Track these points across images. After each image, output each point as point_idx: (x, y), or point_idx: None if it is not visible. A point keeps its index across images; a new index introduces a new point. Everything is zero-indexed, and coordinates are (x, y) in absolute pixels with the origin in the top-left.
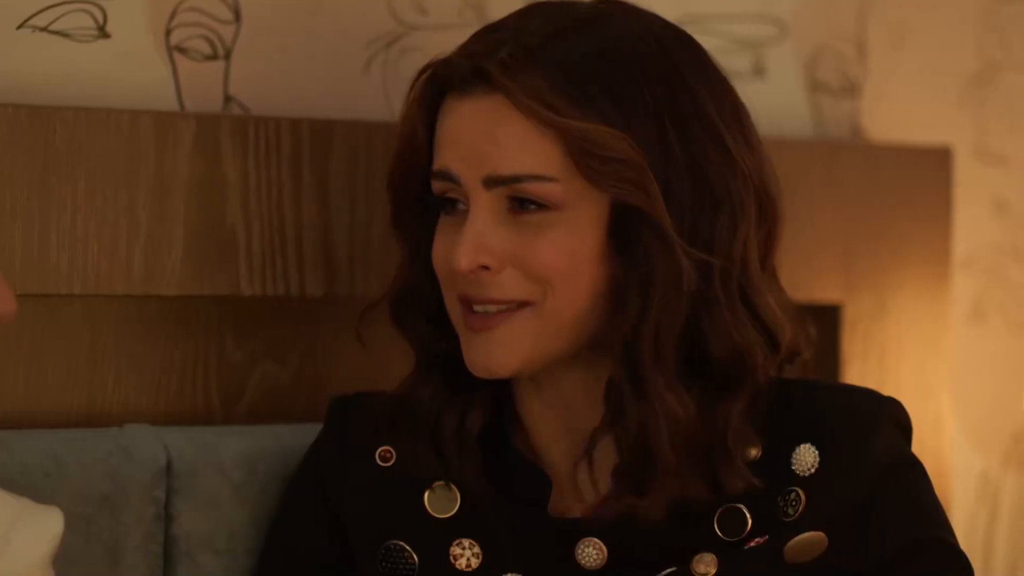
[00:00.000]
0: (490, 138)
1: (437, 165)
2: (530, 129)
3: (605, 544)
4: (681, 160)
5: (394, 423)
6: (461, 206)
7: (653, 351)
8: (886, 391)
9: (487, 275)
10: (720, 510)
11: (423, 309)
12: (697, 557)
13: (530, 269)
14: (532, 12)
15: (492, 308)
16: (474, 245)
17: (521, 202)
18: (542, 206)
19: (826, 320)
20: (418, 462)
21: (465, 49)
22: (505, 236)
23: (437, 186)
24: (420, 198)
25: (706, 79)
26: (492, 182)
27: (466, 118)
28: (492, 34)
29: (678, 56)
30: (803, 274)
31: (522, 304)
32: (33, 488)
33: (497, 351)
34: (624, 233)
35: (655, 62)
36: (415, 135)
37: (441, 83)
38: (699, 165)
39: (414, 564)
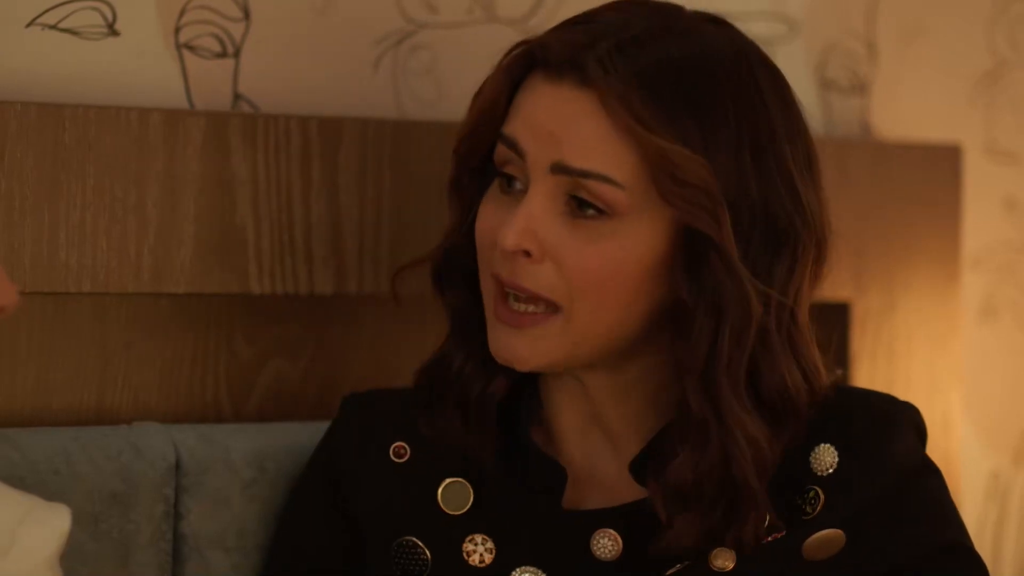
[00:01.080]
0: (569, 126)
1: (509, 131)
2: (611, 131)
3: (621, 535)
4: (754, 194)
5: (421, 392)
6: (518, 185)
7: (728, 378)
8: (895, 389)
9: (525, 262)
10: None
11: (465, 277)
12: (715, 551)
13: (570, 272)
14: (633, 9)
15: (522, 304)
16: (524, 226)
17: (580, 203)
18: (600, 212)
19: (835, 318)
20: (438, 431)
21: (563, 35)
22: (557, 229)
23: (501, 153)
24: (482, 166)
25: (786, 115)
26: (560, 169)
27: (549, 101)
28: (591, 24)
29: (765, 86)
30: None
31: (550, 306)
32: (43, 486)
33: (521, 347)
34: (691, 258)
35: (744, 88)
36: (496, 103)
37: (533, 61)
38: (769, 202)
39: (427, 560)
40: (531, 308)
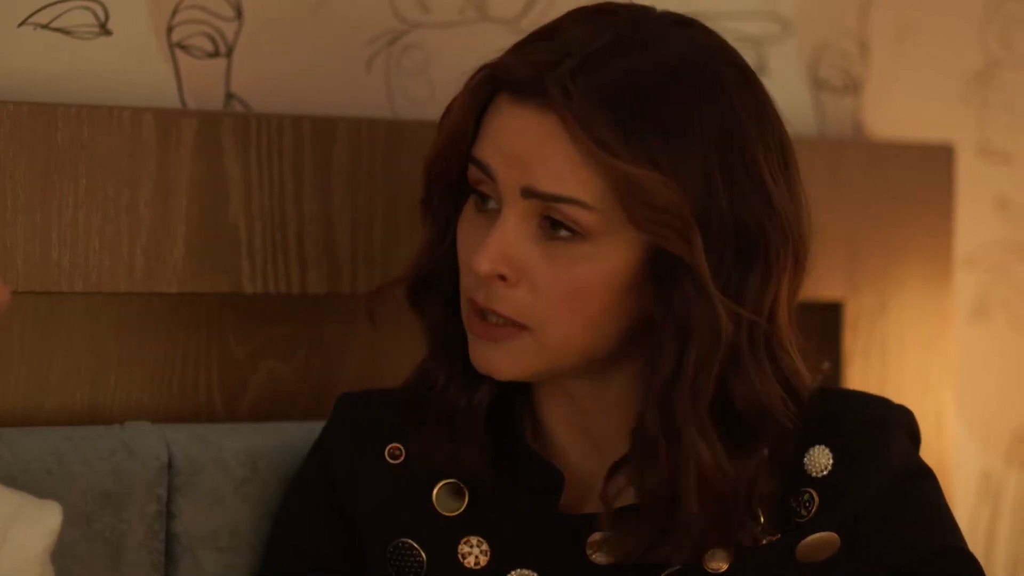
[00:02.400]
0: (537, 152)
1: (478, 154)
2: (578, 156)
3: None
4: (725, 209)
5: (407, 410)
6: (492, 204)
7: (690, 399)
8: (888, 389)
9: (500, 286)
10: None
11: (441, 293)
12: (709, 553)
13: (542, 293)
14: (595, 20)
15: (499, 320)
16: (498, 251)
17: (553, 224)
18: (574, 232)
19: (828, 317)
20: (429, 448)
21: (526, 55)
22: (530, 252)
23: (474, 173)
24: (454, 185)
25: (758, 116)
26: (530, 194)
27: (516, 124)
28: (553, 41)
29: (733, 88)
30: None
31: (521, 327)
32: (35, 485)
33: (500, 359)
34: (661, 276)
35: (710, 95)
36: (464, 128)
37: (498, 83)
38: (740, 215)
39: (422, 562)
40: (504, 323)
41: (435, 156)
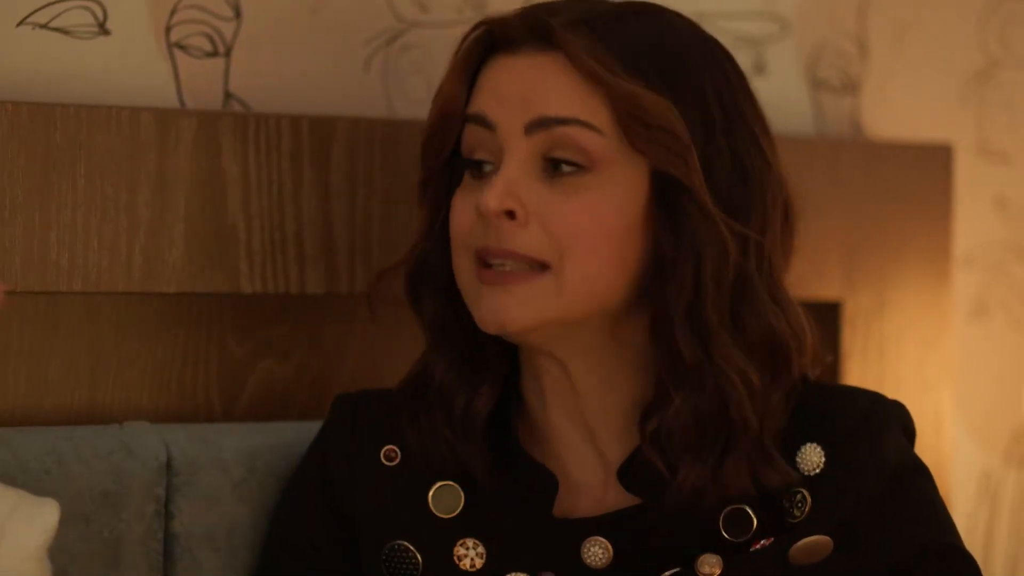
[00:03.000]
0: (540, 86)
1: (475, 108)
2: (582, 84)
3: (611, 543)
4: (723, 145)
5: (405, 401)
6: (489, 168)
7: (716, 317)
8: (886, 388)
9: (511, 225)
10: (725, 511)
11: (438, 281)
12: (702, 558)
13: (556, 229)
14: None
15: (509, 264)
16: (505, 188)
17: (556, 164)
18: (579, 167)
19: (826, 317)
20: (426, 445)
21: (521, 12)
22: (537, 191)
23: (469, 137)
24: (450, 165)
25: (743, 87)
26: (537, 124)
27: (516, 70)
28: (549, 6)
29: (723, 59)
30: (804, 271)
31: (539, 266)
32: (34, 485)
33: (511, 305)
34: (666, 206)
35: (704, 58)
36: (457, 94)
37: (492, 42)
38: (739, 155)
39: (418, 564)
40: (518, 267)
41: (430, 129)
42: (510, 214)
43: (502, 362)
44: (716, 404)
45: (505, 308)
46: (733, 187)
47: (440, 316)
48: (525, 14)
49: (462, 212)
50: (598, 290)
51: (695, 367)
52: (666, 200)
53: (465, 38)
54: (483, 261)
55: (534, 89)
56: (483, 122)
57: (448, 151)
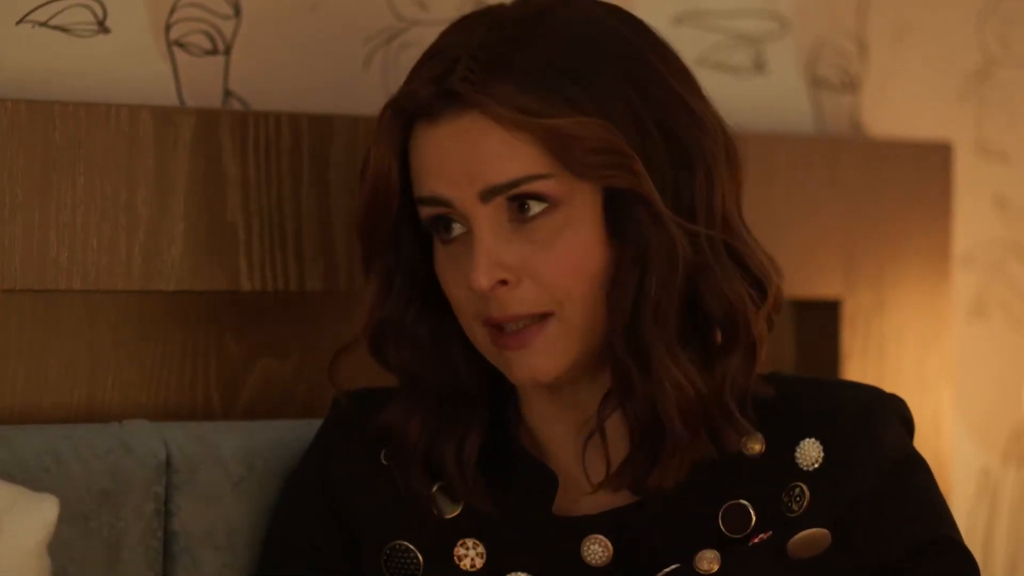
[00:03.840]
0: (475, 155)
1: (425, 192)
2: (510, 137)
3: (611, 541)
4: (653, 129)
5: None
6: (457, 227)
7: (653, 324)
8: (885, 386)
9: (506, 291)
10: (724, 506)
11: (406, 339)
12: (700, 554)
13: (548, 281)
14: (471, 25)
15: (520, 324)
16: (488, 262)
17: (521, 205)
18: (543, 204)
19: (826, 315)
20: (414, 487)
21: (422, 75)
22: (516, 249)
23: (427, 211)
24: (392, 235)
25: (652, 45)
26: (489, 194)
27: (445, 141)
28: (441, 55)
29: (623, 30)
30: (803, 269)
31: (544, 316)
32: (33, 483)
33: (538, 362)
34: (617, 216)
35: (605, 40)
36: (388, 173)
37: (408, 115)
38: (669, 127)
39: (419, 564)
40: (527, 323)
41: (366, 211)
42: (502, 282)
43: (480, 393)
44: (647, 410)
45: (534, 367)
46: (674, 166)
47: (413, 373)
48: (428, 79)
49: (456, 286)
50: (600, 320)
51: (628, 372)
52: (616, 211)
53: (380, 118)
54: (494, 327)
55: (471, 157)
56: (437, 202)
57: (390, 224)
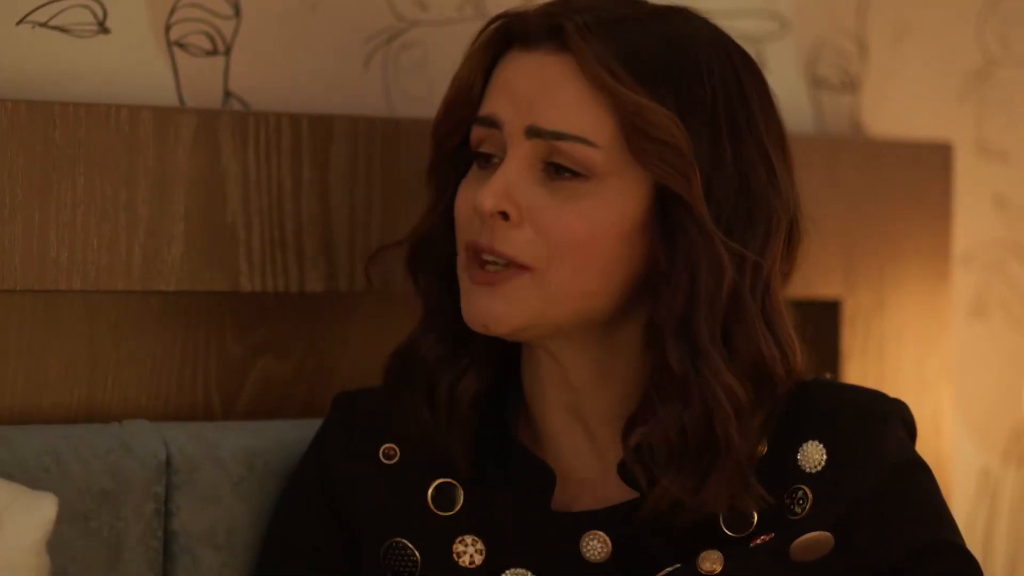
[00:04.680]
0: (545, 90)
1: (484, 111)
2: (588, 92)
3: (610, 537)
4: (729, 163)
5: (391, 379)
6: (496, 160)
7: (708, 331)
8: (885, 387)
9: (503, 225)
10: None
11: (436, 261)
12: (703, 554)
13: (549, 233)
14: None
15: (498, 266)
16: (502, 189)
17: (557, 168)
18: (576, 175)
19: (826, 315)
20: (411, 422)
21: (541, 9)
22: (534, 192)
23: (477, 134)
24: (459, 150)
25: (761, 98)
26: (534, 133)
27: (527, 68)
28: (568, 3)
29: (740, 68)
30: (803, 269)
31: (522, 268)
32: (33, 484)
33: (497, 306)
34: (665, 219)
35: (718, 66)
36: (471, 83)
37: (509, 36)
38: (744, 174)
39: (416, 562)
40: (504, 267)
41: (442, 115)
42: (504, 215)
43: (488, 349)
44: (701, 419)
45: (490, 309)
46: (736, 207)
47: (433, 295)
48: (544, 11)
49: (463, 203)
50: (583, 298)
51: (682, 380)
52: (665, 213)
53: (484, 29)
54: (477, 258)
55: (540, 93)
56: (492, 122)
57: (458, 138)
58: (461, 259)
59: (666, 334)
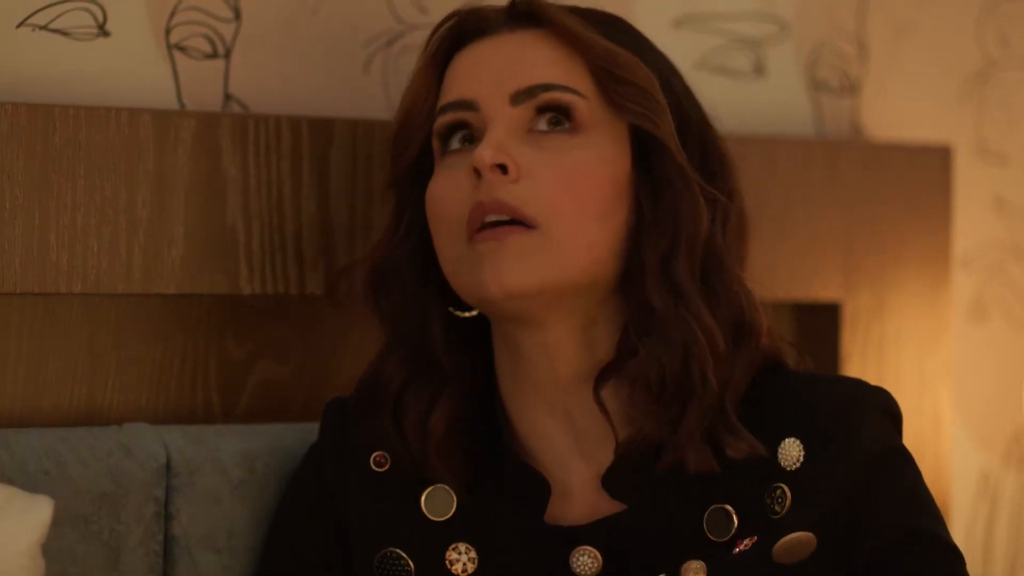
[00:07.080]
0: (520, 58)
1: (452, 96)
2: (562, 51)
3: (600, 552)
4: (693, 121)
5: (363, 406)
6: (469, 145)
7: (688, 271)
8: (885, 388)
9: (503, 179)
10: (708, 512)
11: (400, 278)
12: (685, 565)
13: (547, 186)
14: None
15: (502, 216)
16: (496, 144)
17: (547, 122)
18: (564, 129)
19: (826, 317)
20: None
21: (491, 7)
22: (526, 151)
23: (446, 118)
24: (420, 160)
25: (700, 107)
26: (522, 95)
27: (492, 48)
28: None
29: (683, 80)
30: (803, 272)
31: (528, 225)
32: (32, 486)
33: (508, 265)
34: (647, 168)
35: (668, 65)
36: (428, 89)
37: (461, 34)
38: (704, 131)
39: (411, 571)
40: (507, 221)
41: (402, 126)
42: (503, 168)
43: (459, 367)
44: (680, 360)
45: (501, 271)
46: (704, 159)
47: (398, 315)
48: (500, 10)
49: (446, 185)
50: (586, 249)
51: (663, 319)
52: (648, 164)
53: (434, 32)
54: (475, 227)
55: (516, 62)
56: (462, 105)
57: (416, 149)
58: (455, 242)
59: (647, 274)
